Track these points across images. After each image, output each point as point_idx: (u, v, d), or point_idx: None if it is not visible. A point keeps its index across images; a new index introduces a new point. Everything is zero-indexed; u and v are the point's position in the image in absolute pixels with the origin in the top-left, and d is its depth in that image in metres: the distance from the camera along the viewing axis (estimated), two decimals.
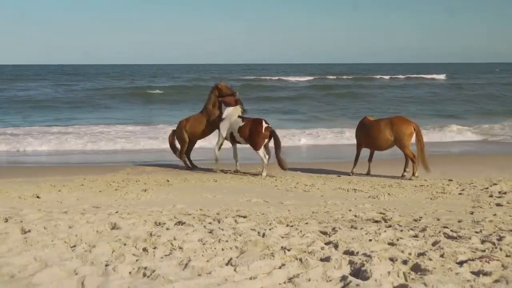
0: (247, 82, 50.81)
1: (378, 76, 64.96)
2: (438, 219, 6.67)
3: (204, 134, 13.08)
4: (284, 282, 3.83)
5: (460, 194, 9.17)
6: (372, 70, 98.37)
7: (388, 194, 9.23)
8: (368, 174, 11.76)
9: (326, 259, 4.31)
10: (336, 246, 4.80)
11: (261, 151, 11.84)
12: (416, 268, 4.09)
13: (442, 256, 4.45)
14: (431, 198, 8.80)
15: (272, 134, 11.86)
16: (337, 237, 5.12)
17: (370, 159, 11.95)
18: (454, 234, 5.36)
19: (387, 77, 65.01)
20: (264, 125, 11.85)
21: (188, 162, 13.11)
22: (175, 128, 13.39)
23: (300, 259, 4.27)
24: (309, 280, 3.80)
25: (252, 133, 11.92)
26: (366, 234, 5.33)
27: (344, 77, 64.49)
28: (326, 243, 4.96)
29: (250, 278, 3.86)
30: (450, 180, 10.52)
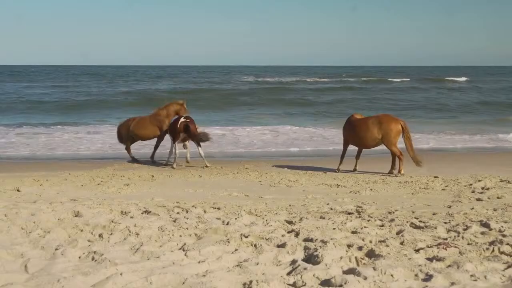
0: (260, 84, 49.94)
1: (400, 80, 62.50)
2: (413, 212, 6.57)
3: (148, 137, 13.57)
4: (233, 266, 3.75)
5: (443, 190, 9.07)
6: (383, 72, 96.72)
7: (370, 189, 9.15)
8: (354, 171, 11.67)
9: (282, 245, 4.24)
10: (297, 234, 4.73)
11: (175, 144, 12.49)
12: (370, 254, 4.03)
13: (401, 243, 4.38)
14: (412, 193, 8.70)
15: (186, 128, 12.27)
16: (301, 226, 5.05)
17: (357, 157, 11.85)
18: (422, 224, 5.28)
19: (407, 79, 63.13)
20: (181, 120, 12.44)
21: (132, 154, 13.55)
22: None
23: (255, 245, 4.20)
24: (257, 264, 3.73)
25: (170, 126, 12.77)
26: (333, 223, 5.26)
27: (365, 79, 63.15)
28: (289, 232, 4.89)
29: (199, 262, 3.79)
30: (436, 176, 10.42)
